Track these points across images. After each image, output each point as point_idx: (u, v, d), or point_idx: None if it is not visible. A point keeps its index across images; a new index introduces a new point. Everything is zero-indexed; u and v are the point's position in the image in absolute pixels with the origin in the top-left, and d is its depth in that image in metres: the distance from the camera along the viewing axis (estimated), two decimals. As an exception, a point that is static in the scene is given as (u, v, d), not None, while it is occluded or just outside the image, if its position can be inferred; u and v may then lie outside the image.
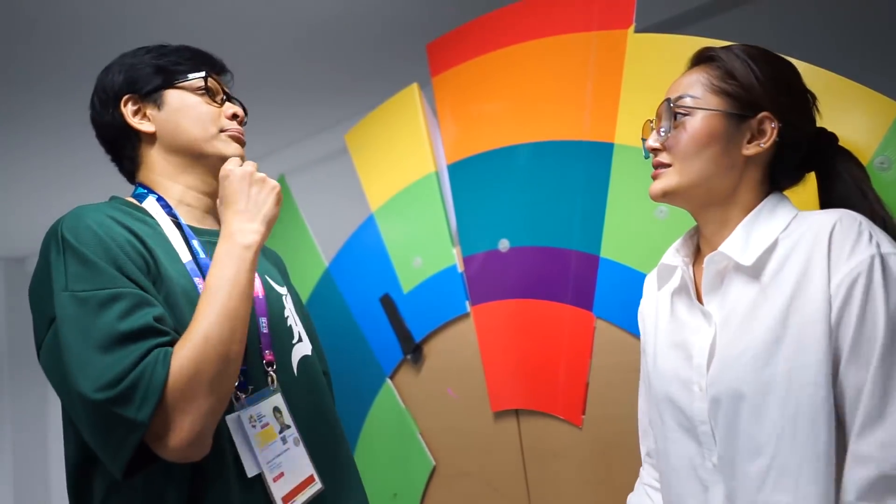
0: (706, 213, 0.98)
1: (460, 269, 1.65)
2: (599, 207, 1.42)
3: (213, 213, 1.13)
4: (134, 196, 1.09)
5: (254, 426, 0.98)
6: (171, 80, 1.08)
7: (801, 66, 1.11)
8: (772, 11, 1.91)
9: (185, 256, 1.01)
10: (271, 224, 1.00)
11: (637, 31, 1.39)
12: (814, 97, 0.99)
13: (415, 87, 1.77)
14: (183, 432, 0.84)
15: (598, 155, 1.42)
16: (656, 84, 1.25)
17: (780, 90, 0.95)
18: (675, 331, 1.01)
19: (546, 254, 1.51)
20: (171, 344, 0.87)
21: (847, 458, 0.82)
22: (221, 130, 1.09)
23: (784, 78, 0.97)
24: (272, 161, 3.14)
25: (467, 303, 1.64)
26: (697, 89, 0.96)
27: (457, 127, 1.68)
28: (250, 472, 0.96)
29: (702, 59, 1.00)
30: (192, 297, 0.97)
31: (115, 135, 1.10)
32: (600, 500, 1.42)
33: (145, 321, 0.86)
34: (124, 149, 1.10)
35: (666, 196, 0.97)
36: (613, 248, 1.40)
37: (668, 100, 0.97)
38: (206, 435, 0.87)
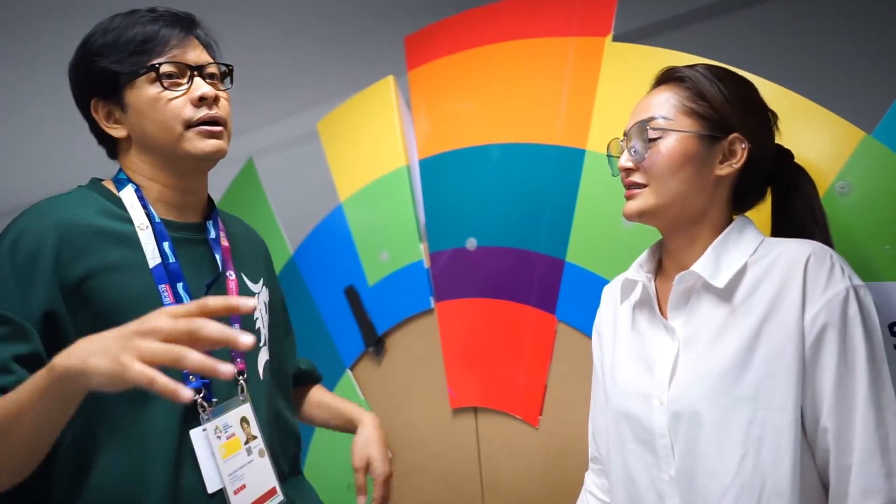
0: (676, 231, 1.00)
1: (427, 264, 1.65)
2: (568, 212, 1.43)
3: (194, 207, 1.07)
4: (115, 180, 1.04)
5: (219, 437, 0.96)
6: (124, 82, 0.98)
7: (767, 85, 1.14)
8: (744, 28, 1.95)
9: (154, 260, 0.96)
10: (91, 370, 0.68)
11: (615, 38, 1.41)
12: (775, 115, 1.02)
13: (390, 79, 1.76)
14: None
15: (570, 160, 1.44)
16: (631, 94, 1.26)
17: (747, 111, 0.97)
18: (636, 344, 1.02)
19: (512, 255, 1.52)
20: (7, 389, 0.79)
21: (851, 491, 0.83)
22: (189, 126, 0.98)
23: (749, 98, 0.99)
24: (241, 142, 3.08)
25: (432, 299, 1.64)
26: (669, 110, 0.97)
27: (430, 122, 1.68)
28: (211, 487, 0.93)
29: (669, 78, 1.01)
30: (151, 303, 0.93)
31: (97, 134, 1.04)
32: (553, 500, 1.44)
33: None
34: (106, 146, 1.06)
35: (642, 216, 0.98)
36: (579, 253, 1.42)
37: (641, 121, 0.98)
38: None
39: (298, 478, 1.20)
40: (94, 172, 1.10)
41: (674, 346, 0.96)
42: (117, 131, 1.01)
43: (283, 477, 1.08)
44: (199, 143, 0.99)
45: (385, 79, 1.77)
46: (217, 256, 1.05)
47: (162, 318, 0.68)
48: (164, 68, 0.97)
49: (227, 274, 1.07)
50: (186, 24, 1.02)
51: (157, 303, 0.95)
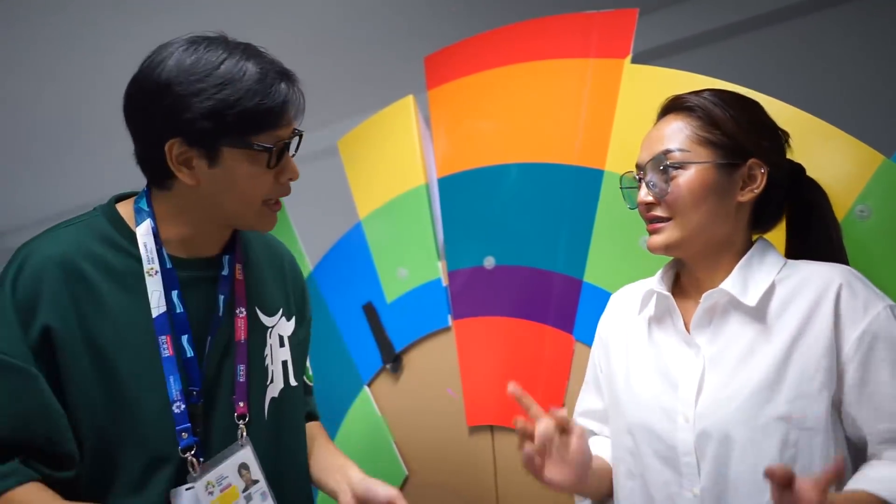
0: (701, 259, 1.00)
1: (445, 282, 1.66)
2: (586, 232, 1.44)
3: (213, 243, 1.00)
4: (136, 208, 0.96)
5: (211, 493, 0.93)
6: (231, 140, 0.88)
7: (786, 108, 1.14)
8: (761, 49, 1.95)
9: (159, 309, 0.92)
10: None
11: (633, 59, 1.42)
12: (785, 133, 1.01)
13: (410, 98, 1.78)
14: None
15: (588, 180, 1.44)
16: (649, 116, 1.27)
17: (761, 134, 0.97)
18: (653, 358, 1.02)
19: (530, 274, 1.53)
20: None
21: None
22: (267, 200, 0.94)
23: (760, 120, 0.99)
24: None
25: (449, 317, 1.65)
26: (683, 141, 0.96)
27: (449, 141, 1.70)
28: None
29: (677, 107, 1.00)
30: (146, 353, 0.91)
31: (152, 164, 0.93)
32: (569, 520, 1.44)
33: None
34: (154, 176, 0.95)
35: (668, 249, 0.98)
36: (597, 273, 1.43)
37: (657, 155, 0.97)
38: None
39: None
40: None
41: (699, 363, 0.95)
42: (186, 177, 0.90)
43: None
44: (267, 220, 0.96)
45: (405, 98, 1.79)
46: (221, 298, 0.99)
47: None
48: (282, 144, 0.91)
49: (237, 311, 1.01)
50: (293, 83, 0.96)
51: (154, 353, 0.92)
